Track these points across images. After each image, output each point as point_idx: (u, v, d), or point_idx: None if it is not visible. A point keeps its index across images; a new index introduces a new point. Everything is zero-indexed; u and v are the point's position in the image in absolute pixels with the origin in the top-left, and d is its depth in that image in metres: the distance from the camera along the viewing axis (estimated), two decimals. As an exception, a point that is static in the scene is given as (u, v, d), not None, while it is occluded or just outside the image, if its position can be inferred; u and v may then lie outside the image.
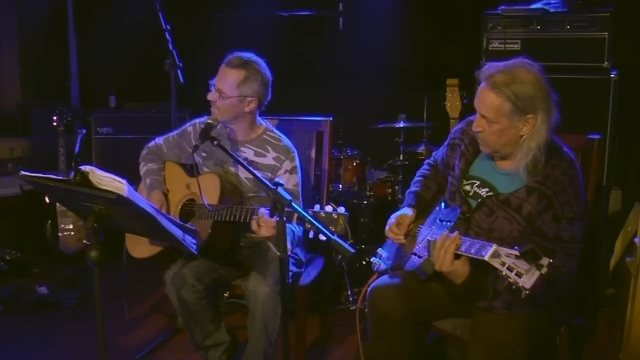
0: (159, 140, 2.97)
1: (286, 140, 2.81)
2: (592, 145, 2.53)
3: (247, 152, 2.78)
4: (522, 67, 2.17)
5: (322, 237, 2.24)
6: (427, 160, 2.68)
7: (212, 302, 2.80)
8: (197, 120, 2.89)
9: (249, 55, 2.70)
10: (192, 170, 2.81)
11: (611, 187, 3.62)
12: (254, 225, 2.43)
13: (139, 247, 2.79)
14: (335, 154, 4.05)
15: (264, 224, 2.39)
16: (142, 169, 2.90)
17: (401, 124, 4.13)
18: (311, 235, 2.27)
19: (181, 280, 2.65)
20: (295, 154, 2.79)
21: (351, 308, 3.65)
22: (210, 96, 2.68)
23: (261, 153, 2.77)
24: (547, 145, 2.18)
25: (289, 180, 2.73)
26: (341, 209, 2.25)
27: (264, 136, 2.80)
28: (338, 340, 3.38)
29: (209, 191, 2.63)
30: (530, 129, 2.16)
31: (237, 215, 2.53)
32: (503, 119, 2.16)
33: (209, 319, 2.79)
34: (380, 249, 2.59)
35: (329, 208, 2.25)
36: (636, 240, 2.59)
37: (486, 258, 1.98)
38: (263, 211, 2.40)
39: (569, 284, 2.23)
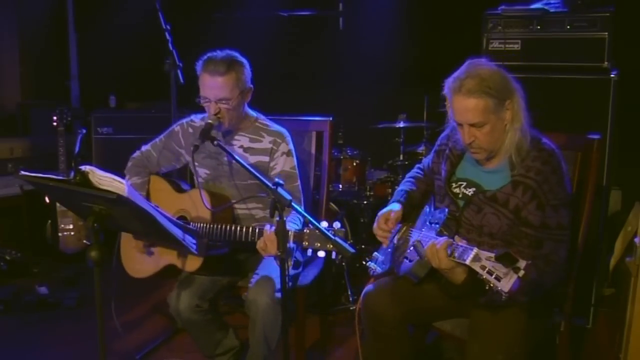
0: (145, 147, 2.91)
1: (279, 126, 2.80)
2: (592, 145, 2.53)
3: (242, 140, 2.77)
4: (478, 66, 2.23)
5: (320, 254, 2.23)
6: (418, 165, 2.71)
7: (218, 312, 2.81)
8: (183, 120, 2.87)
9: (223, 55, 2.65)
10: (179, 186, 2.81)
11: (611, 187, 3.62)
12: (260, 244, 2.40)
13: (138, 267, 2.76)
14: (335, 154, 4.05)
15: (269, 241, 2.35)
16: (126, 182, 2.86)
17: (401, 124, 4.14)
18: (309, 253, 2.27)
19: (185, 303, 2.63)
20: (289, 138, 2.78)
21: (351, 308, 3.65)
22: (214, 109, 2.62)
23: (256, 139, 2.76)
24: (528, 130, 2.23)
25: (286, 163, 2.73)
26: (337, 225, 2.24)
27: (257, 124, 2.79)
28: (338, 340, 3.38)
29: (199, 206, 2.61)
30: (511, 114, 2.22)
31: (235, 234, 2.51)
32: (491, 116, 2.19)
33: (216, 328, 2.80)
34: (376, 252, 2.59)
35: (324, 224, 2.24)
36: (636, 240, 2.59)
37: (468, 262, 2.00)
38: (267, 228, 2.38)
39: (562, 272, 2.24)
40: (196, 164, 2.80)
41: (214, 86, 2.61)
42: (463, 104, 2.20)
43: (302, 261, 2.90)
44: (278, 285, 2.50)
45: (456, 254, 2.07)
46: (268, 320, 2.51)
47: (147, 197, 2.82)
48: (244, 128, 2.78)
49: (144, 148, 2.92)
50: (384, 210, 2.46)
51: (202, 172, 2.81)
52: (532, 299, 2.16)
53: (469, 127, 2.22)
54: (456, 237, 2.18)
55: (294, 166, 2.76)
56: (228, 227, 2.53)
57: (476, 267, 1.97)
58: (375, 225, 2.45)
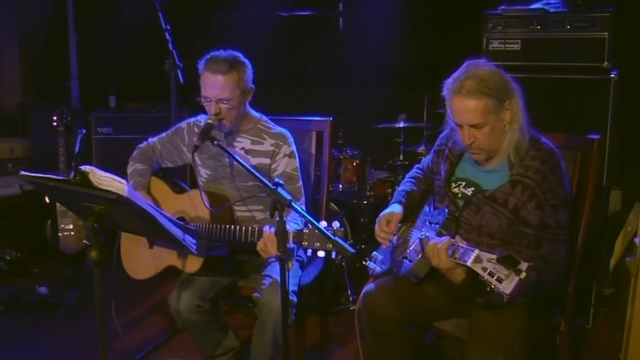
0: (152, 140, 2.94)
1: (281, 128, 2.80)
2: (592, 145, 2.53)
3: (244, 142, 2.77)
4: (477, 67, 2.23)
5: (320, 254, 2.23)
6: (417, 165, 2.71)
7: (218, 312, 2.81)
8: (191, 120, 2.87)
9: (226, 54, 2.64)
10: (178, 186, 2.80)
11: (611, 187, 3.62)
12: (260, 245, 2.41)
13: (138, 269, 2.76)
14: (335, 154, 4.05)
15: (269, 242, 2.36)
16: (129, 168, 2.86)
17: (401, 124, 4.14)
18: (309, 252, 2.26)
19: (186, 303, 2.63)
20: (292, 140, 2.78)
21: (351, 308, 3.65)
22: (214, 109, 2.62)
23: (258, 141, 2.76)
24: (527, 130, 2.24)
25: (288, 164, 2.73)
26: (336, 224, 2.23)
27: (259, 126, 2.79)
28: (338, 340, 3.38)
29: (198, 206, 2.61)
30: (510, 115, 2.22)
31: (234, 234, 2.51)
32: (491, 117, 2.19)
33: (216, 329, 2.80)
34: (375, 252, 2.59)
35: (323, 224, 2.23)
36: (636, 240, 2.59)
37: (469, 264, 2.00)
38: (267, 229, 2.38)
39: (561, 272, 2.24)
40: (199, 163, 2.81)
41: (215, 85, 2.60)
42: (463, 105, 2.19)
43: (305, 261, 2.90)
44: (292, 287, 2.51)
45: (457, 255, 2.07)
46: (280, 322, 2.50)
47: (148, 189, 2.82)
48: (246, 130, 2.78)
49: (150, 140, 2.95)
50: (385, 212, 2.46)
51: (203, 172, 2.81)
52: (531, 298, 2.16)
53: (469, 128, 2.22)
54: (457, 237, 2.18)
55: (296, 167, 2.75)
56: (227, 227, 2.53)
57: (477, 268, 1.97)
58: (376, 227, 2.44)
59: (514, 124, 2.22)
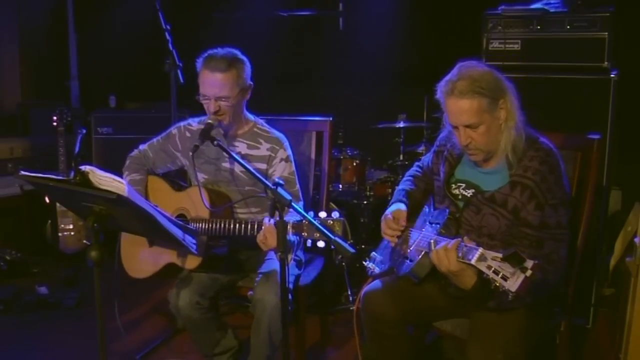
0: (143, 146, 2.92)
1: (277, 132, 2.80)
2: (592, 145, 2.53)
3: (240, 146, 2.77)
4: (469, 67, 2.23)
5: (320, 244, 2.23)
6: (417, 163, 2.71)
7: (217, 311, 2.81)
8: (181, 123, 2.86)
9: (224, 52, 2.64)
10: (178, 184, 2.80)
11: (611, 187, 3.62)
12: (260, 237, 2.41)
13: (138, 267, 2.76)
14: (335, 154, 4.05)
15: (269, 233, 2.36)
16: (125, 179, 2.81)
17: (401, 124, 4.14)
18: (309, 243, 2.26)
19: (186, 300, 2.63)
20: (287, 144, 2.78)
21: (351, 308, 3.64)
22: (214, 107, 2.61)
23: (254, 145, 2.76)
24: (523, 129, 2.24)
25: (284, 169, 2.73)
26: (335, 214, 2.23)
27: (255, 129, 2.79)
28: (338, 340, 3.38)
29: (198, 204, 2.61)
30: (505, 113, 2.22)
31: (235, 229, 2.51)
32: (485, 116, 2.19)
33: (216, 327, 2.80)
34: (374, 252, 2.58)
35: (323, 214, 2.23)
36: (636, 240, 2.59)
37: (473, 262, 1.99)
38: (266, 221, 2.39)
39: (563, 272, 2.24)
40: (195, 167, 2.80)
41: (214, 84, 2.60)
42: (457, 106, 2.20)
43: (304, 261, 2.90)
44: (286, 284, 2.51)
45: (460, 254, 2.07)
46: (274, 319, 2.51)
47: (146, 195, 2.82)
48: (242, 134, 2.78)
49: (141, 147, 2.92)
50: (391, 209, 2.45)
51: (200, 176, 2.80)
52: (536, 299, 2.15)
53: (465, 129, 2.22)
54: (465, 237, 2.16)
55: (293, 171, 2.75)
56: (227, 223, 2.53)
57: (482, 267, 1.96)
58: (383, 225, 2.44)
59: (510, 122, 2.23)
